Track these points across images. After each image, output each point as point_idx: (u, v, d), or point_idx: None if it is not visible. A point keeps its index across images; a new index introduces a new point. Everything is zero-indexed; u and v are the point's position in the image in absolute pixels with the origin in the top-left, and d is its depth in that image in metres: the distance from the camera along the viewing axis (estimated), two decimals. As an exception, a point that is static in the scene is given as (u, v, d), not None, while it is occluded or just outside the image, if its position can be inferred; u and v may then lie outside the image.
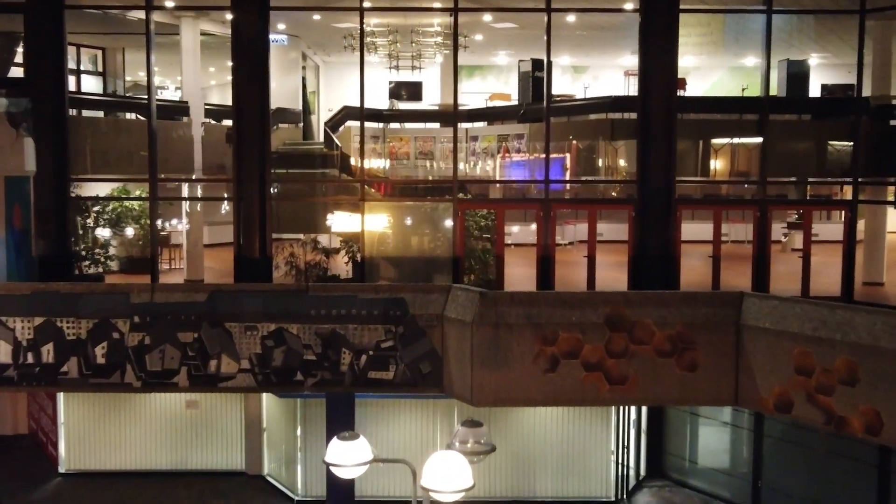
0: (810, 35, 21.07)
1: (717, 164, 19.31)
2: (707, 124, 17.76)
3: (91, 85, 24.70)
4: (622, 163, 18.48)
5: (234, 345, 13.02)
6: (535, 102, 19.54)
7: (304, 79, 26.09)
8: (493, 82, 27.69)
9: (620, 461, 16.74)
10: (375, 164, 20.49)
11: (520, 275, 18.56)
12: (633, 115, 17.10)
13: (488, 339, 12.45)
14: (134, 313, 13.10)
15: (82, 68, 25.07)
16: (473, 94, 25.94)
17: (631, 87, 23.20)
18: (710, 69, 27.56)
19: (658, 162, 16.26)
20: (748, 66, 27.06)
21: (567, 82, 26.88)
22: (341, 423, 14.53)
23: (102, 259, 18.02)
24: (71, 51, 23.76)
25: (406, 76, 23.26)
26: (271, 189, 16.57)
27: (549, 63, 16.84)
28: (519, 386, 12.55)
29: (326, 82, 27.40)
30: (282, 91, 22.71)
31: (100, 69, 24.60)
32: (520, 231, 22.61)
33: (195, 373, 13.22)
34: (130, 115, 19.99)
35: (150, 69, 16.73)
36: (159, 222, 20.22)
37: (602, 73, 26.67)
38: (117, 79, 24.32)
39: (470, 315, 12.65)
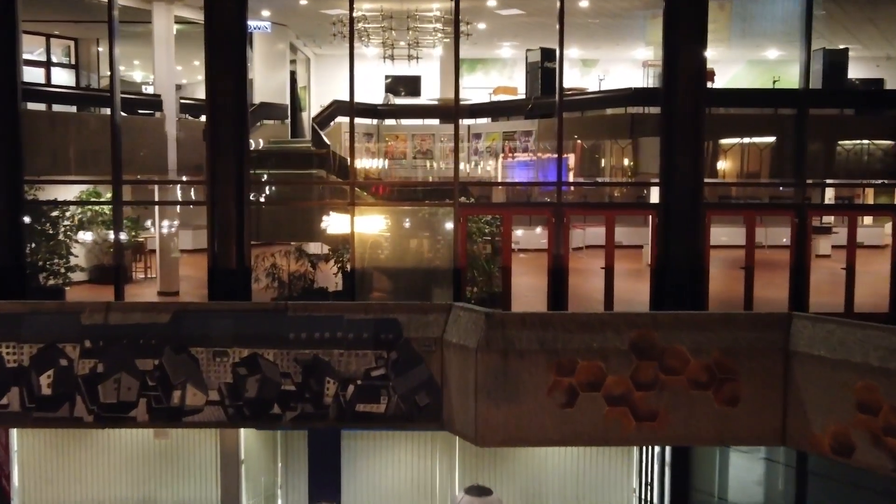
0: (844, 23, 19.29)
1: (725, 166, 17.65)
2: (734, 120, 15.97)
3: (63, 78, 22.91)
4: (627, 162, 16.75)
5: (201, 373, 11.41)
6: (545, 96, 17.75)
7: (294, 73, 24.33)
8: (497, 77, 25.91)
9: (643, 499, 14.92)
10: (368, 164, 18.70)
11: (527, 285, 16.81)
12: (656, 110, 15.29)
13: (495, 367, 10.78)
14: (85, 336, 11.39)
15: (54, 60, 23.29)
16: (475, 90, 24.13)
17: (649, 81, 21.44)
18: (726, 63, 25.74)
19: (684, 161, 14.46)
20: (769, 60, 25.24)
21: (576, 77, 25.08)
22: (325, 461, 12.81)
23: (62, 270, 16.20)
24: (40, 41, 22.07)
25: (402, 69, 21.44)
26: (251, 192, 14.77)
27: (562, 51, 15.04)
28: (531, 423, 10.86)
29: (318, 76, 25.58)
30: (267, 85, 20.97)
31: (73, 61, 22.79)
32: (524, 235, 20.82)
33: (156, 405, 11.50)
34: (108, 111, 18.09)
35: (114, 57, 14.96)
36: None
37: (613, 67, 24.88)
38: (91, 72, 22.51)
39: (474, 339, 10.91)
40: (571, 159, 17.72)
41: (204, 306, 12.02)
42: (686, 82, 14.46)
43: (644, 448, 14.71)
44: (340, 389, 11.30)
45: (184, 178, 16.39)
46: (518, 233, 20.36)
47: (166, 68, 17.42)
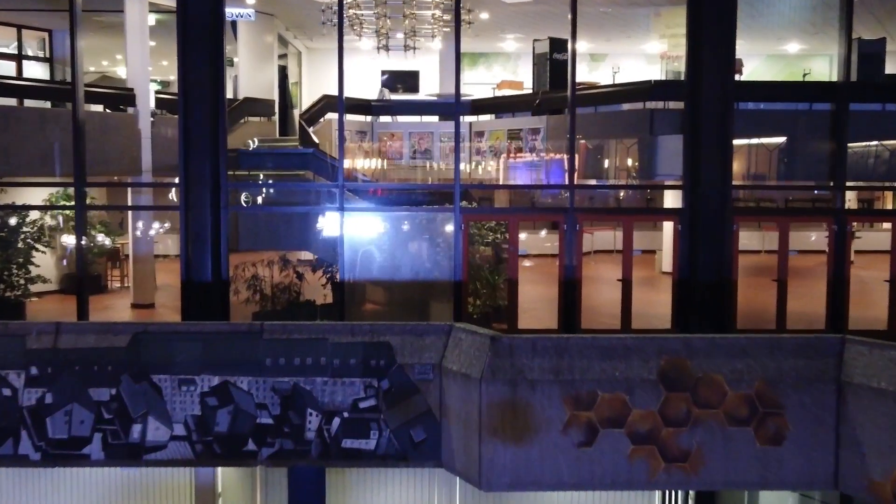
0: (876, 13, 17.83)
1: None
2: (763, 116, 14.48)
3: (38, 72, 21.43)
4: (630, 162, 15.30)
5: (164, 404, 10.06)
6: (554, 90, 16.24)
7: (284, 68, 22.89)
8: (500, 73, 24.44)
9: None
10: (361, 164, 17.21)
11: (534, 296, 15.35)
12: (675, 105, 13.83)
13: (502, 400, 9.45)
14: (31, 363, 10.02)
15: (29, 53, 21.81)
16: (477, 86, 22.66)
17: (664, 76, 19.96)
18: (743, 57, 24.25)
19: (711, 162, 13.06)
20: (790, 54, 23.78)
21: (584, 72, 23.59)
22: (308, 498, 11.30)
23: (21, 281, 14.72)
24: (11, 32, 20.62)
25: (399, 63, 19.99)
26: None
27: (575, 38, 13.56)
28: (543, 464, 9.54)
29: (311, 71, 24.16)
30: (253, 79, 19.50)
31: (47, 54, 21.31)
32: (528, 239, 19.31)
33: (113, 441, 10.13)
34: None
35: (76, 47, 13.60)
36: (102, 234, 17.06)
37: (624, 61, 23.40)
38: (66, 66, 21.00)
39: (478, 368, 9.49)
40: (575, 160, 16.17)
41: (167, 327, 10.54)
42: (713, 74, 13.00)
43: (669, 492, 13.19)
44: (324, 423, 10.05)
45: (151, 180, 14.90)
46: (521, 236, 18.85)
47: (140, 60, 15.95)
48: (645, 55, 23.20)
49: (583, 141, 16.44)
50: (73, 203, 13.61)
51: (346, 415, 9.95)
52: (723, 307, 13.02)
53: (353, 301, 14.16)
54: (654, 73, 21.27)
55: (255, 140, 17.78)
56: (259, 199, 15.03)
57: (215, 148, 13.15)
